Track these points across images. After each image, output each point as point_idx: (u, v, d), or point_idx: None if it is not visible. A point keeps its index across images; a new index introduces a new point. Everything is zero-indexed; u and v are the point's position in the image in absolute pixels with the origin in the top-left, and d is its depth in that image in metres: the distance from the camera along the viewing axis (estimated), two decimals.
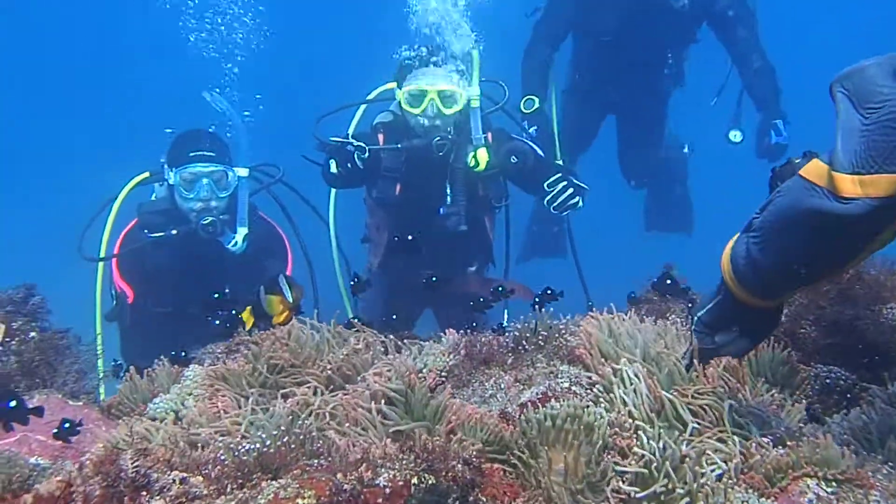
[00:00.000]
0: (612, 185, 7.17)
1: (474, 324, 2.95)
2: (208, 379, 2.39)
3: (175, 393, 2.45)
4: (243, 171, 4.69)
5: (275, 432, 1.75)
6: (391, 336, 2.69)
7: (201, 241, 4.53)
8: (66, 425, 2.06)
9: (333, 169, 4.46)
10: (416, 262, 5.01)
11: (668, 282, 3.04)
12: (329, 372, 2.31)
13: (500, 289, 3.56)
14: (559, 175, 4.44)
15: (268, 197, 5.11)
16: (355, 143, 4.40)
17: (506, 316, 4.87)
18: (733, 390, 2.17)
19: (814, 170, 1.59)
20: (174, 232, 4.52)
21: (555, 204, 4.43)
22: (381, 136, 4.61)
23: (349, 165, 4.40)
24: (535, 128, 5.03)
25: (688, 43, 6.12)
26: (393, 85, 4.73)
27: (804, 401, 2.36)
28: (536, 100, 5.28)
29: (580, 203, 4.46)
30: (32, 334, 3.69)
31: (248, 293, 4.80)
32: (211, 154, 4.58)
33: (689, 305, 3.06)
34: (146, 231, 4.59)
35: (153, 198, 4.87)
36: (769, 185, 1.77)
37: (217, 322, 3.23)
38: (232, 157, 4.76)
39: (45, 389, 2.45)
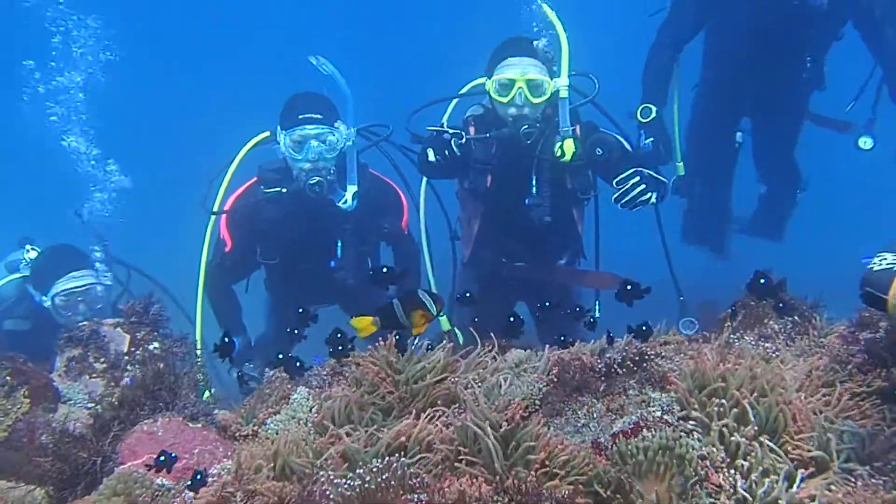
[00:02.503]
0: None
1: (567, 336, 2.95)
2: (315, 404, 2.53)
3: (284, 415, 2.59)
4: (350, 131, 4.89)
5: (374, 468, 1.85)
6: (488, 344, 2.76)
7: (312, 200, 4.78)
8: (162, 459, 2.26)
9: (431, 157, 4.59)
10: (508, 255, 5.09)
11: (762, 281, 2.97)
12: (430, 399, 2.39)
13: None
14: (632, 171, 4.20)
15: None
16: (451, 130, 4.53)
17: (597, 307, 4.87)
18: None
19: None
20: (283, 190, 4.80)
21: (623, 200, 4.19)
22: (472, 129, 4.70)
23: (446, 153, 4.53)
24: (651, 139, 4.92)
25: (828, 44, 5.71)
26: (484, 79, 4.78)
27: None
28: (654, 109, 5.15)
29: (652, 199, 4.20)
30: (154, 345, 3.95)
31: (360, 248, 5.02)
32: (318, 116, 4.80)
33: (781, 306, 2.96)
34: (262, 187, 4.90)
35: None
36: None
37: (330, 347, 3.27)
38: (340, 117, 4.93)
39: (167, 413, 2.63)
